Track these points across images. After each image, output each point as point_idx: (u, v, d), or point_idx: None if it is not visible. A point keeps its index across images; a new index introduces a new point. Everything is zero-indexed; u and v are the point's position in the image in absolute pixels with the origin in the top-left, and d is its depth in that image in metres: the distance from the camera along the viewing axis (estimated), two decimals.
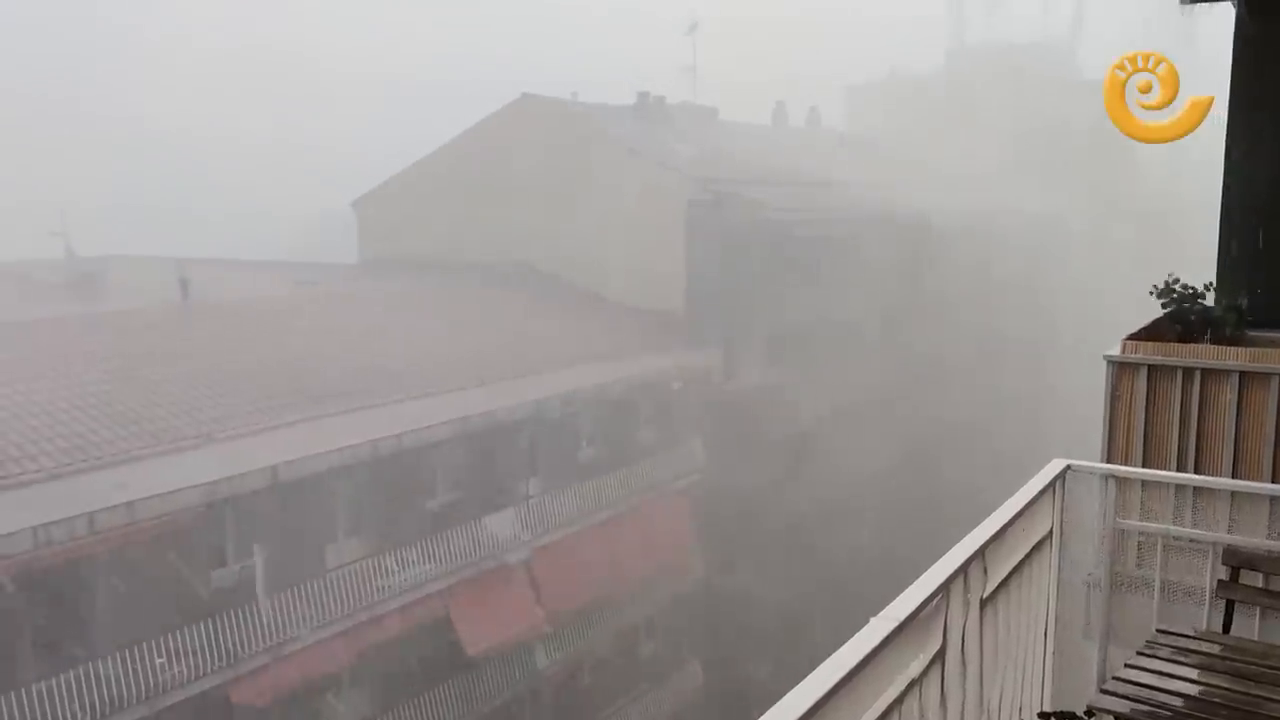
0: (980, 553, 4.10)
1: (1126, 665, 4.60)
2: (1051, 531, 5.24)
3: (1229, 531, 5.51)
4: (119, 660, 18.04)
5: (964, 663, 4.04)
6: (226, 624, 19.70)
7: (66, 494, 18.15)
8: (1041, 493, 4.97)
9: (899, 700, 3.45)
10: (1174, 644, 4.76)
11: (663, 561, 30.37)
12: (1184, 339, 7.28)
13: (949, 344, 44.99)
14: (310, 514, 22.01)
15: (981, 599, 4.20)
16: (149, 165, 62.38)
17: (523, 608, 26.00)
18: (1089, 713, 4.32)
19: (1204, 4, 7.87)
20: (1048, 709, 5.12)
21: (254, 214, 54.48)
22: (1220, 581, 5.43)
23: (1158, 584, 5.66)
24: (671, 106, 43.61)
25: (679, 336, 33.43)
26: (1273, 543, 5.35)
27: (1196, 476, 6.33)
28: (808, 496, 35.77)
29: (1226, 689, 4.40)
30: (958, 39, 70.74)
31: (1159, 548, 5.68)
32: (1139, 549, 5.87)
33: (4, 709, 16.50)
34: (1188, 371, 6.88)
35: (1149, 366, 6.95)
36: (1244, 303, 7.48)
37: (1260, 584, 5.43)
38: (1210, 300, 7.60)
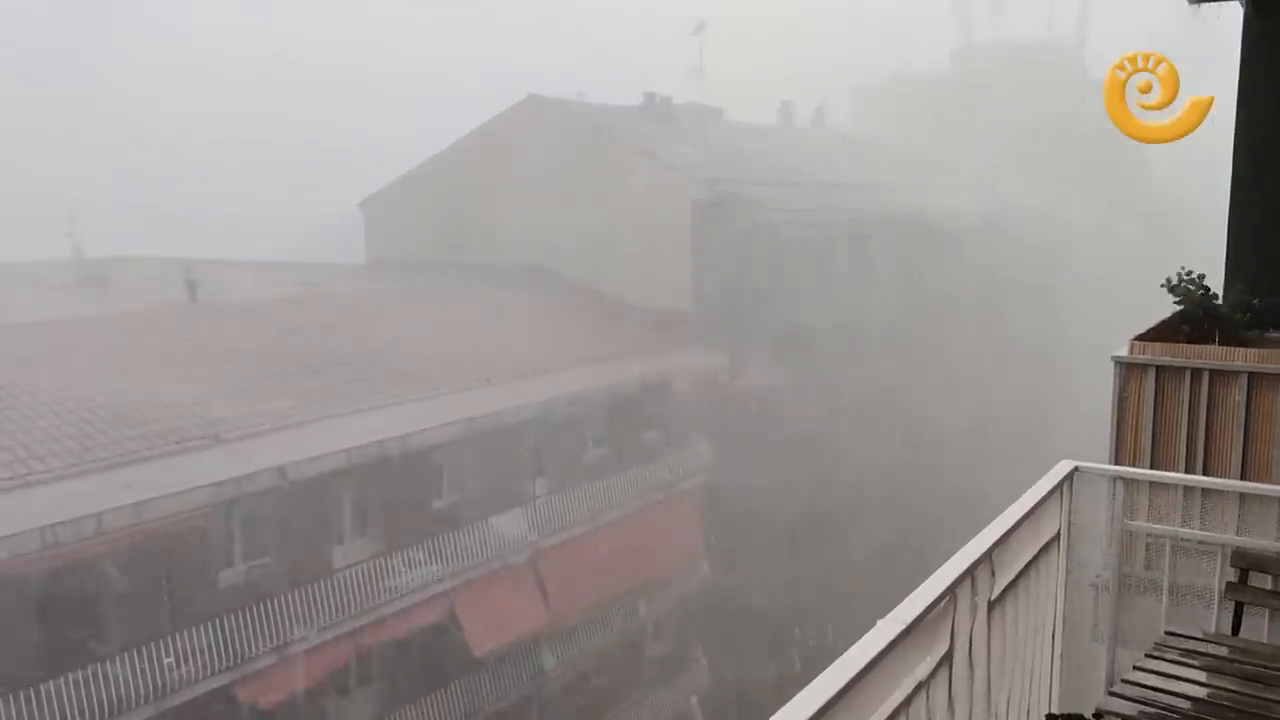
0: (988, 555, 4.09)
1: (1134, 667, 4.58)
2: (1059, 533, 5.22)
3: (1238, 533, 5.48)
4: (127, 660, 18.08)
5: (971, 665, 4.03)
6: (233, 624, 19.72)
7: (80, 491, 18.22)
8: (1049, 494, 4.95)
9: (906, 703, 3.44)
10: (1182, 646, 4.74)
11: (670, 562, 30.37)
12: (1192, 339, 7.26)
13: (955, 344, 44.93)
14: (317, 514, 22.05)
15: (989, 601, 4.19)
16: (156, 168, 62.58)
17: (530, 608, 26.01)
18: (1097, 715, 4.30)
19: (1212, 3, 7.85)
20: (1055, 711, 5.10)
21: (260, 216, 54.58)
22: (1229, 583, 5.40)
23: (1166, 586, 5.63)
24: (678, 107, 43.59)
25: (685, 337, 33.41)
26: None
27: (1205, 478, 6.31)
28: (814, 497, 35.75)
29: (1235, 691, 4.38)
30: (964, 38, 70.66)
31: (1167, 549, 5.65)
32: (1147, 551, 5.85)
33: (12, 709, 16.54)
34: (1196, 372, 6.86)
35: (1157, 367, 6.92)
36: (1253, 302, 7.45)
37: (1269, 586, 5.40)
38: (1219, 299, 7.57)
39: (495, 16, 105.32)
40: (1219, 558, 5.51)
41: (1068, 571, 5.32)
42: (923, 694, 3.57)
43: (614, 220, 34.62)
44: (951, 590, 3.74)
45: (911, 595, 3.55)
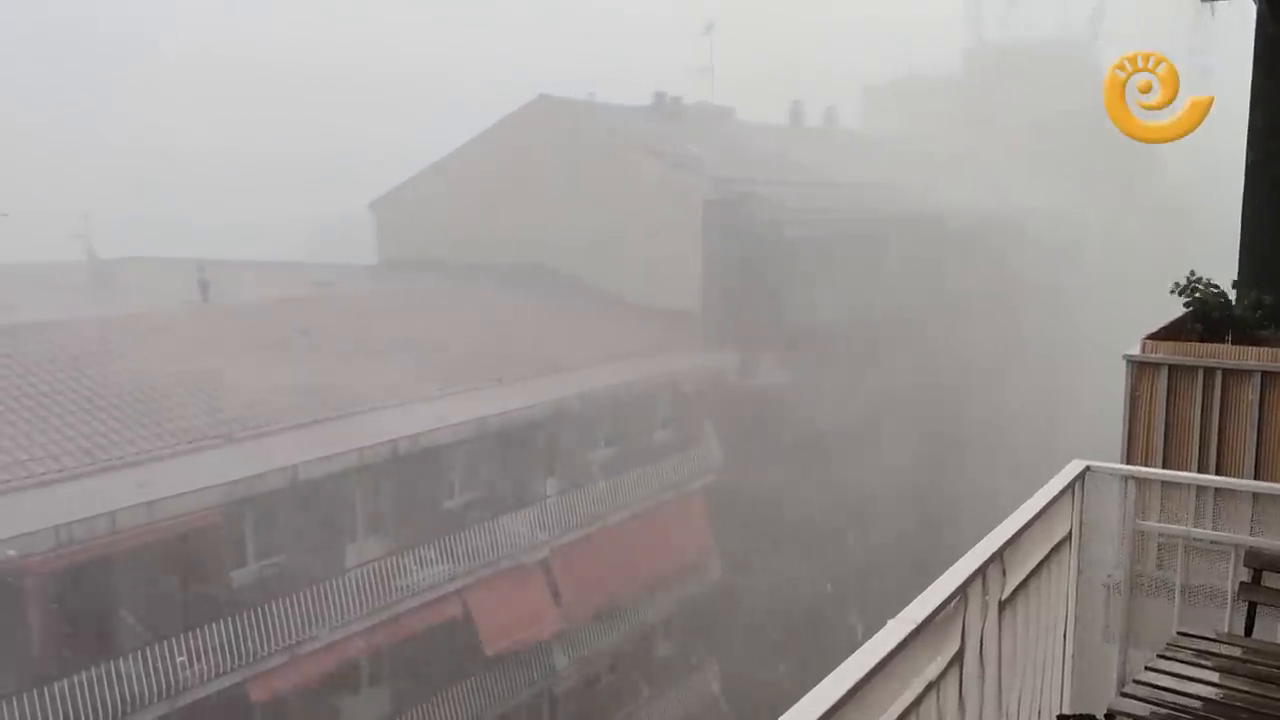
0: (998, 554, 4.08)
1: (1146, 668, 4.56)
2: (1070, 533, 5.21)
3: (1251, 533, 5.46)
4: (140, 658, 18.16)
5: (982, 665, 4.02)
6: (246, 622, 19.80)
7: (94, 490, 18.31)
8: (1060, 494, 4.94)
9: (917, 702, 3.43)
10: (1195, 646, 4.72)
11: (680, 561, 30.36)
12: (1205, 338, 7.23)
13: (967, 343, 44.82)
14: (329, 513, 22.12)
15: (1000, 601, 4.18)
16: (167, 174, 62.98)
17: (540, 607, 26.03)
18: (1109, 716, 4.28)
19: (1224, 1, 7.82)
20: (1067, 712, 5.09)
21: (271, 218, 54.79)
22: (1242, 584, 5.38)
23: (1178, 586, 5.62)
24: (688, 107, 43.56)
25: (696, 336, 33.39)
26: None
27: (1218, 478, 6.28)
28: (825, 496, 35.69)
29: (1248, 692, 4.36)
30: (975, 38, 70.45)
31: (1180, 549, 5.63)
32: (1159, 551, 5.83)
33: (25, 707, 16.63)
34: (1209, 371, 6.83)
35: (1169, 366, 6.90)
36: (1266, 301, 7.42)
37: None
38: (1232, 299, 7.53)
39: (504, 17, 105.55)
40: (1232, 558, 5.48)
41: (1079, 571, 5.31)
42: (933, 694, 3.57)
43: (624, 220, 34.63)
44: (962, 590, 3.73)
45: (922, 595, 3.54)
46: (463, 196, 36.94)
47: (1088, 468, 5.37)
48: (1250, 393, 6.70)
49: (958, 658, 3.75)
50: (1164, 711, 4.23)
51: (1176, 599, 5.60)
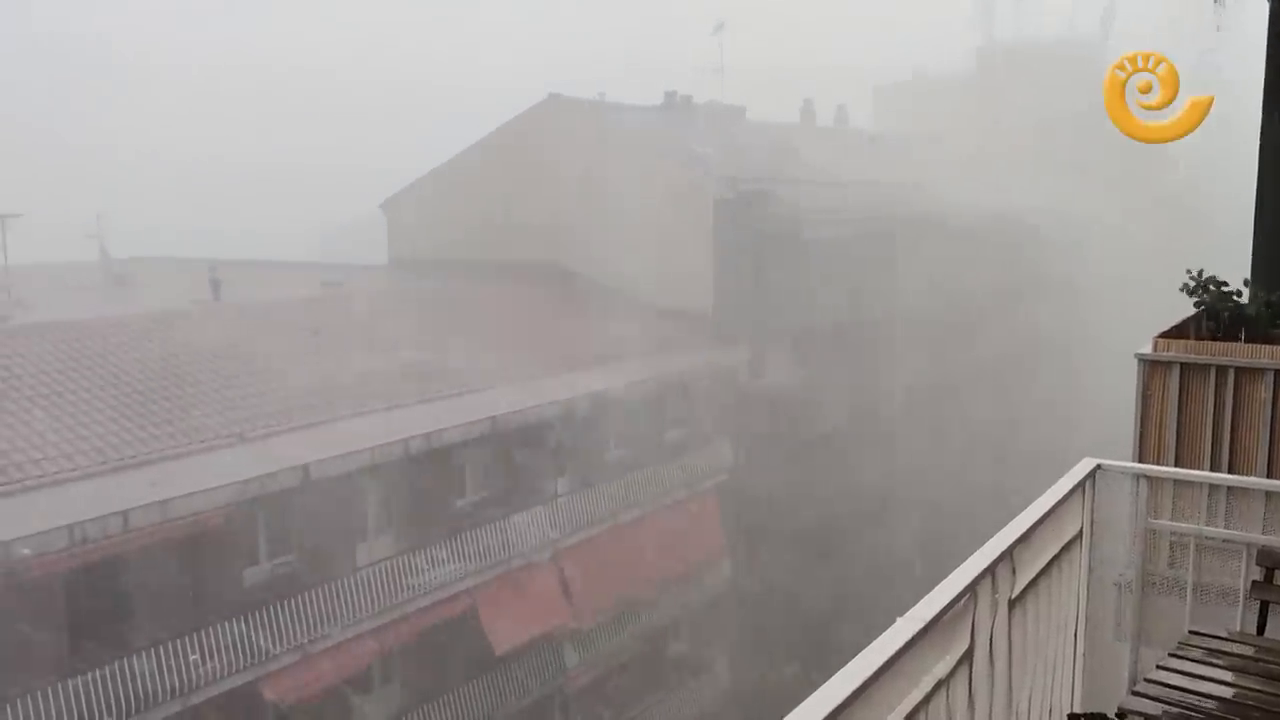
0: (1008, 553, 4.07)
1: (1158, 667, 4.54)
2: (1081, 531, 5.19)
3: (1263, 532, 5.43)
4: (153, 656, 18.24)
5: (992, 663, 4.01)
6: (258, 621, 19.87)
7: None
8: (1071, 492, 4.92)
9: (926, 701, 3.43)
10: (1207, 645, 4.70)
11: (691, 561, 30.35)
12: (1218, 337, 7.20)
13: (979, 341, 44.73)
14: (341, 512, 22.17)
15: (1010, 599, 4.17)
16: (181, 180, 63.36)
17: (551, 606, 26.06)
18: (1120, 714, 4.27)
19: None
20: (1078, 711, 5.07)
21: (283, 221, 55.01)
22: (1254, 583, 5.36)
23: (1190, 585, 5.59)
24: (699, 106, 43.51)
25: (706, 335, 33.38)
26: None
27: (1230, 476, 6.26)
28: (836, 495, 35.65)
29: (1260, 691, 4.35)
30: (986, 37, 70.24)
31: (1191, 548, 5.61)
32: (1171, 549, 5.81)
33: (40, 704, 16.72)
34: (1221, 370, 6.80)
35: (1181, 364, 6.87)
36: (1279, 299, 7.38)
37: None
38: (1245, 297, 7.50)
39: (516, 17, 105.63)
40: (1244, 556, 5.46)
41: (1090, 570, 5.29)
42: (943, 692, 3.56)
43: (635, 219, 34.61)
44: (972, 588, 3.72)
45: (931, 593, 3.54)
46: (473, 196, 36.98)
47: (1098, 466, 5.35)
48: (1263, 391, 6.67)
49: (967, 656, 3.75)
50: (1176, 710, 4.22)
51: (1188, 597, 5.58)
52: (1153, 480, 5.62)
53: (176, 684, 18.39)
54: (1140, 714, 4.23)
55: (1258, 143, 7.84)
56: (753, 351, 34.01)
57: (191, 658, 18.69)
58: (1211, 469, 6.59)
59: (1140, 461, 6.65)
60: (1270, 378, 6.63)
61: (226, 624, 19.40)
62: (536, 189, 35.80)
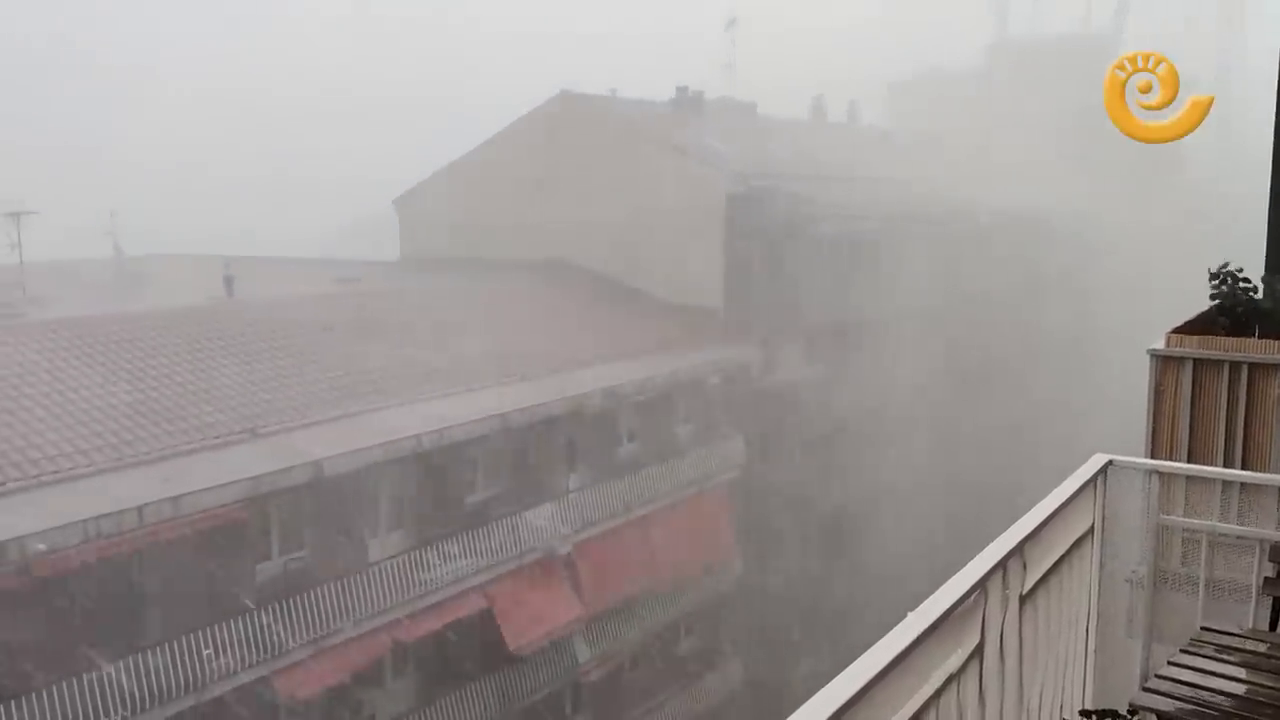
0: (1019, 548, 4.07)
1: (1169, 663, 4.53)
2: (1093, 527, 5.18)
3: (1277, 528, 5.41)
4: (166, 652, 18.35)
5: (1003, 659, 4.01)
6: (270, 617, 19.96)
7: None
8: (1082, 488, 4.91)
9: (937, 696, 3.43)
10: (1219, 642, 4.68)
11: (702, 557, 30.36)
12: (1231, 332, 7.17)
13: (991, 339, 44.60)
14: (353, 508, 22.25)
15: (1021, 595, 4.17)
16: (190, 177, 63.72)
17: (563, 602, 26.10)
18: (1131, 711, 4.25)
19: None
20: (1089, 707, 5.06)
21: (294, 218, 55.21)
22: (1267, 579, 5.34)
23: (1202, 581, 5.58)
24: (710, 102, 43.47)
25: (718, 331, 33.36)
26: None
27: (1244, 472, 6.23)
28: (848, 492, 35.63)
29: (1273, 688, 4.33)
30: (1000, 34, 70.04)
31: (1204, 544, 5.59)
32: (1183, 545, 5.79)
33: (56, 699, 16.83)
34: (1235, 365, 6.78)
35: (1194, 360, 6.85)
36: None
37: None
38: (1260, 292, 7.47)
39: (527, 14, 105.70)
40: (1257, 553, 5.44)
41: (1101, 566, 5.28)
42: (953, 687, 3.56)
43: (646, 216, 34.62)
44: (982, 584, 3.72)
45: (941, 588, 3.54)
46: (485, 193, 37.05)
47: (1110, 461, 5.34)
48: (1277, 387, 6.65)
49: (978, 651, 3.75)
50: (1187, 707, 4.20)
51: (1200, 594, 5.56)
52: (1165, 476, 5.61)
53: (190, 679, 18.48)
54: (1152, 710, 4.22)
55: (1272, 139, 7.80)
56: (764, 347, 33.97)
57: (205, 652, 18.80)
58: (1225, 465, 6.57)
59: (1152, 457, 6.63)
60: None
61: None
62: (548, 185, 35.82)
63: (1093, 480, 5.11)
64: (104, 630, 18.13)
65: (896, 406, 38.44)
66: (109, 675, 17.51)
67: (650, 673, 29.40)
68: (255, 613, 19.82)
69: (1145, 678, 5.26)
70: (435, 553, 23.38)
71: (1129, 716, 4.17)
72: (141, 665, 17.95)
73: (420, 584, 22.76)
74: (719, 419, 31.91)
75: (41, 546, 16.82)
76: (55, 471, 18.67)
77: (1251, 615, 5.40)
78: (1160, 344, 7.03)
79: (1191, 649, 4.64)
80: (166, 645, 18.39)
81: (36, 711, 16.58)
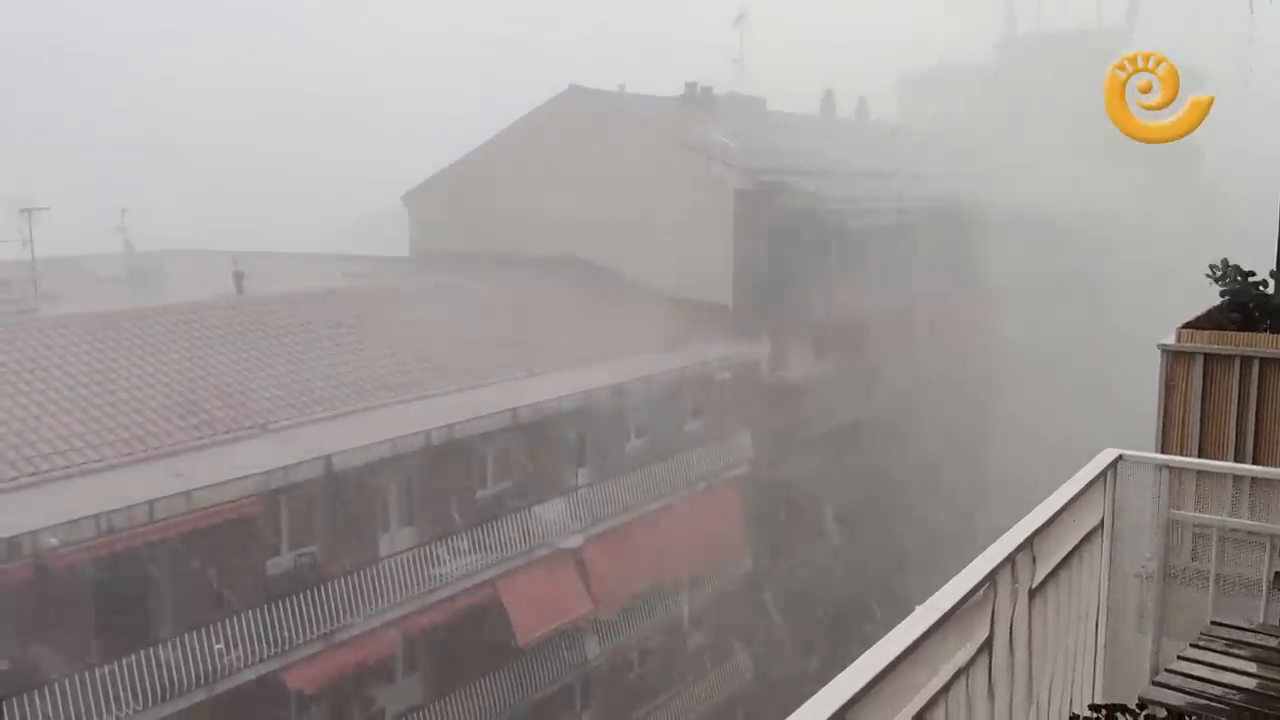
0: (1028, 542, 4.07)
1: (1179, 657, 4.52)
2: (1103, 522, 5.17)
3: None
4: (179, 645, 18.43)
5: (1012, 653, 4.01)
6: (281, 611, 20.03)
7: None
8: (1092, 482, 4.91)
9: (946, 689, 3.43)
10: (1229, 636, 4.68)
11: (711, 552, 30.36)
12: (1243, 327, 7.15)
13: (1002, 334, 44.47)
14: (363, 503, 22.32)
15: (1030, 589, 4.17)
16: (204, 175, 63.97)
17: (572, 597, 26.14)
18: (1141, 705, 4.25)
19: None
20: (1099, 702, 5.05)
21: (307, 213, 55.32)
22: (1277, 574, 5.33)
23: (1213, 576, 5.56)
24: (719, 97, 43.41)
25: (727, 327, 33.33)
26: None
27: (1255, 467, 6.21)
28: (857, 487, 35.58)
29: None
30: (1010, 27, 69.75)
31: (1214, 539, 5.58)
32: (1194, 540, 5.78)
33: (68, 692, 16.92)
34: (1246, 360, 6.76)
35: (1205, 355, 6.83)
36: None
37: None
38: (1271, 288, 7.44)
39: (536, 9, 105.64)
40: (1267, 548, 5.43)
41: (1111, 561, 5.28)
42: (963, 680, 3.56)
43: (655, 211, 34.60)
44: (991, 577, 3.72)
45: (951, 582, 3.54)
46: (494, 187, 37.05)
47: (1120, 456, 5.33)
48: None
49: (987, 645, 3.75)
50: (1198, 701, 4.20)
51: (1211, 589, 5.55)
52: (1175, 471, 5.60)
53: (201, 673, 18.57)
54: (1162, 704, 4.21)
55: None
56: (772, 343, 33.93)
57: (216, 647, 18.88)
58: (1236, 460, 6.55)
59: (1163, 452, 6.62)
60: None
61: None
62: (556, 180, 35.81)
63: (1103, 475, 5.10)
64: (113, 626, 18.22)
65: (906, 401, 38.40)
66: (115, 670, 17.58)
67: (658, 667, 29.46)
68: (266, 606, 19.91)
69: (1155, 672, 5.25)
70: (445, 547, 23.46)
71: (1139, 711, 4.17)
72: (152, 658, 18.03)
73: (430, 578, 22.83)
74: (728, 414, 31.88)
75: (53, 541, 16.91)
76: (67, 467, 18.75)
77: (1262, 610, 5.39)
78: (1171, 339, 7.01)
79: (1201, 643, 4.63)
80: (176, 640, 18.48)
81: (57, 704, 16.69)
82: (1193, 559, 5.76)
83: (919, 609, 3.30)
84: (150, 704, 17.80)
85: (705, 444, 30.90)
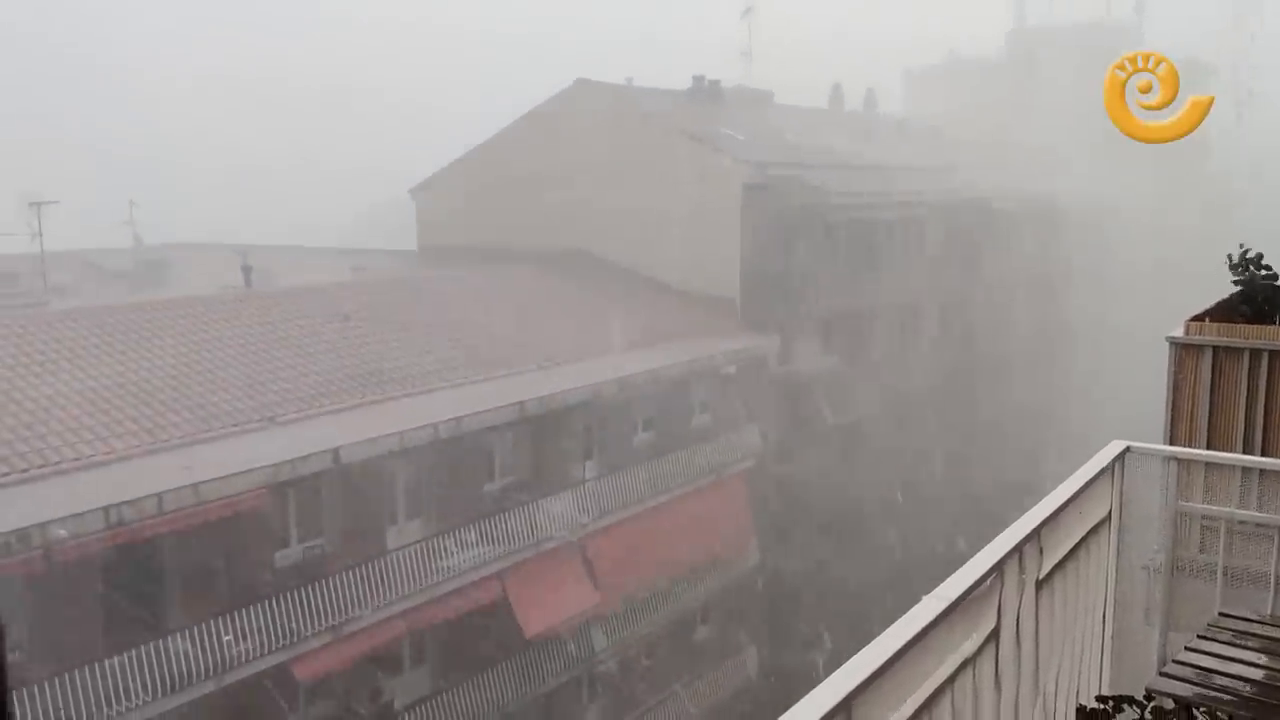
0: (1035, 533, 4.06)
1: (1186, 648, 4.52)
2: (1110, 514, 5.16)
3: None
4: (188, 637, 18.50)
5: (1019, 644, 4.01)
6: (289, 603, 20.09)
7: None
8: (1099, 474, 4.90)
9: (952, 679, 3.43)
10: (1236, 628, 4.67)
11: (718, 545, 30.38)
12: (1253, 320, 7.13)
13: (1010, 327, 44.41)
14: (371, 496, 22.36)
15: (1037, 580, 4.16)
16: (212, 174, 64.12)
17: (579, 591, 26.17)
18: (1148, 696, 4.25)
19: None
20: (1106, 693, 5.05)
21: (312, 205, 55.40)
22: None
23: (1220, 568, 5.55)
24: (727, 91, 43.33)
25: (734, 321, 33.31)
26: None
27: (1264, 459, 6.20)
28: (865, 480, 35.55)
29: None
30: (1019, 20, 69.52)
31: (1222, 531, 5.56)
32: (1201, 533, 5.77)
33: (78, 684, 17.00)
34: (1255, 353, 6.74)
35: (1214, 347, 6.81)
36: None
37: None
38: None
39: (543, 4, 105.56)
40: (1276, 540, 5.41)
41: (1119, 552, 5.27)
42: (969, 670, 3.56)
43: (663, 205, 34.56)
44: (999, 568, 3.72)
45: (957, 572, 3.54)
46: (502, 181, 37.03)
47: (1128, 448, 5.32)
48: None
49: (994, 636, 3.75)
50: (1205, 692, 4.19)
51: (1218, 581, 5.54)
52: (1183, 463, 5.58)
53: (210, 664, 18.64)
54: (1169, 695, 4.21)
55: None
56: (780, 337, 33.89)
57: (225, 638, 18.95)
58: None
59: (1171, 444, 6.60)
60: None
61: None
62: (564, 174, 35.78)
63: (1110, 466, 5.09)
64: (122, 617, 18.30)
65: (914, 395, 38.34)
66: (125, 662, 17.66)
67: (665, 661, 29.48)
68: (273, 599, 19.96)
69: (1162, 664, 5.25)
70: (452, 540, 23.50)
71: (1146, 702, 4.17)
72: (162, 650, 18.10)
73: (437, 571, 22.88)
74: (735, 408, 31.87)
75: (63, 533, 16.97)
76: (76, 459, 18.83)
77: (1270, 602, 5.38)
78: (1179, 331, 7.00)
79: (1209, 635, 4.63)
80: (185, 632, 18.55)
81: (66, 695, 16.77)
82: (1200, 551, 5.74)
83: (926, 598, 3.30)
84: (159, 695, 17.87)
85: (713, 438, 30.89)
